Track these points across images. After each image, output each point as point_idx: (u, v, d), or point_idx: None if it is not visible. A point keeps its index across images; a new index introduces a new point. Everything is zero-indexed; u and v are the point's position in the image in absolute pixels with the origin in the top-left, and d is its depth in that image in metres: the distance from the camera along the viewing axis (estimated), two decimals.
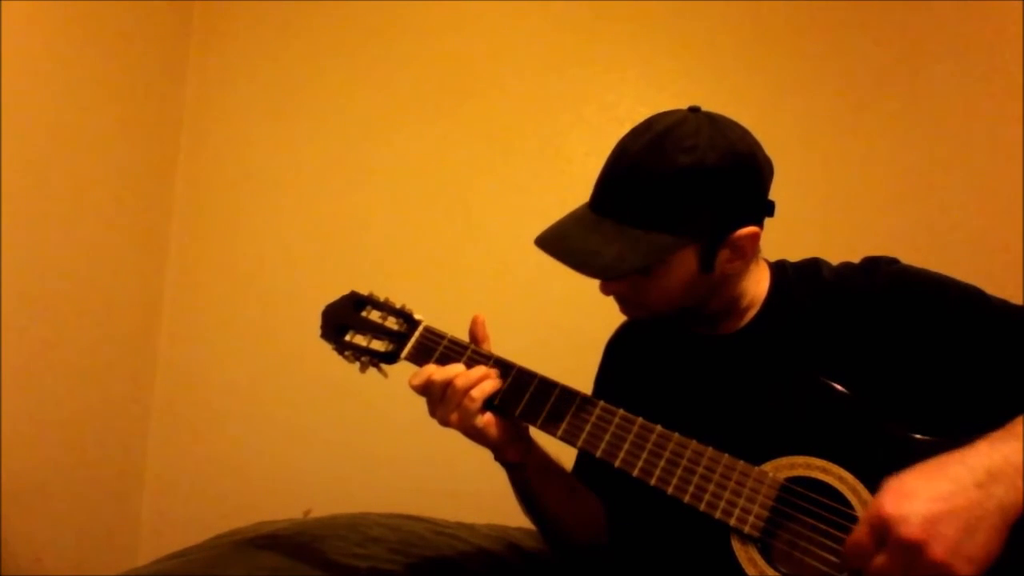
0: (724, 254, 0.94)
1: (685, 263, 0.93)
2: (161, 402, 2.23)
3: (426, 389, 0.95)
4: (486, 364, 0.97)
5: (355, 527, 1.28)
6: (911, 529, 0.71)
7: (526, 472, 1.02)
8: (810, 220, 1.80)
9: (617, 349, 1.16)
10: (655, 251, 0.90)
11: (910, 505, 0.73)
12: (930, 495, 0.73)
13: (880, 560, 0.74)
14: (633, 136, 0.94)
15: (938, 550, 0.71)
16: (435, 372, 0.95)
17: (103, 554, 2.07)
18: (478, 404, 0.93)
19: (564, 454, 1.09)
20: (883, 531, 0.73)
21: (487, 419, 0.95)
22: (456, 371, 0.94)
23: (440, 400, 0.94)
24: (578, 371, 1.16)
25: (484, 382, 0.94)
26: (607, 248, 0.90)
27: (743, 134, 0.94)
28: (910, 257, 1.00)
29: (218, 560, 1.13)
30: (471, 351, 0.99)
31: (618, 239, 0.91)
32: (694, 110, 0.95)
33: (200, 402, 2.21)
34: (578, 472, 1.13)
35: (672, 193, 0.89)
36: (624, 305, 1.01)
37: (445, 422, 0.95)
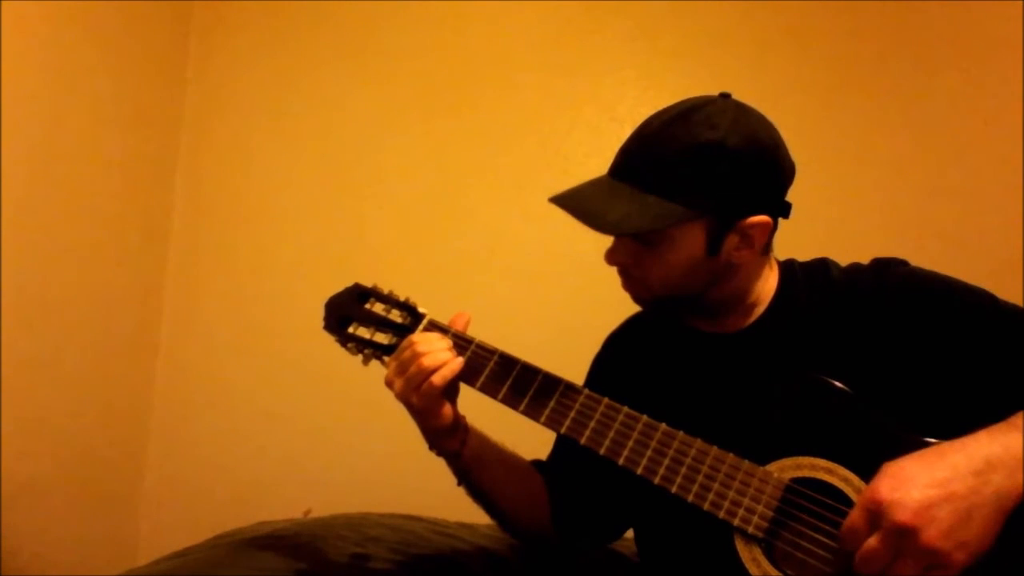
0: (732, 240, 0.93)
1: (692, 241, 0.92)
2: (161, 402, 2.23)
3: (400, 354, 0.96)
4: (490, 359, 0.97)
5: (355, 527, 1.28)
6: (904, 514, 0.72)
7: (461, 461, 1.02)
8: (810, 220, 1.79)
9: (619, 344, 1.15)
10: (663, 216, 0.89)
11: (905, 490, 0.74)
12: (926, 481, 0.74)
13: (872, 542, 0.75)
14: (660, 112, 0.95)
15: (931, 535, 0.72)
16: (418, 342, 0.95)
17: (103, 554, 2.07)
18: (440, 384, 0.93)
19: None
20: (877, 514, 0.74)
21: (446, 404, 0.96)
22: (432, 347, 0.94)
23: (408, 365, 0.95)
24: (581, 367, 1.16)
25: (449, 365, 0.94)
26: (616, 207, 0.90)
27: (770, 128, 0.95)
28: (909, 257, 1.00)
29: (218, 560, 1.13)
30: (476, 345, 0.99)
31: (630, 201, 0.90)
32: (725, 95, 0.95)
33: (200, 402, 2.21)
34: (559, 462, 1.13)
35: (689, 165, 0.89)
36: (625, 279, 1.00)
37: (406, 392, 0.94)
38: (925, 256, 1.01)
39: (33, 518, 1.89)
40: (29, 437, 1.86)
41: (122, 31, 2.05)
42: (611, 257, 0.98)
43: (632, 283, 1.00)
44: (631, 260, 0.96)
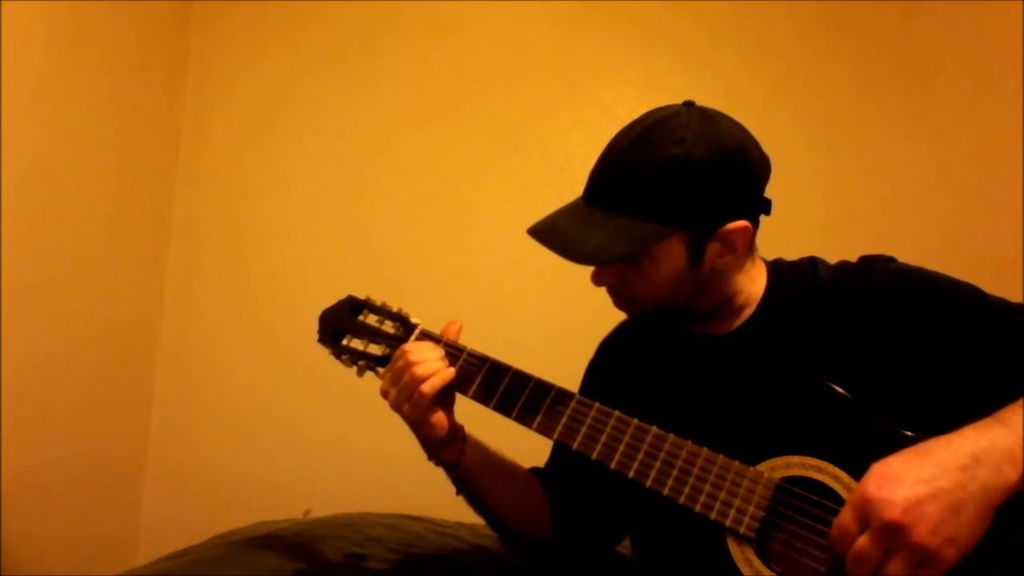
0: (713, 248, 0.93)
1: (673, 255, 0.93)
2: (161, 402, 2.24)
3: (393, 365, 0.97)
4: (482, 367, 0.98)
5: (355, 527, 1.28)
6: (894, 512, 0.73)
7: (460, 471, 1.03)
8: (809, 220, 1.80)
9: (612, 349, 1.16)
10: (639, 239, 0.90)
11: (894, 488, 0.74)
12: (914, 478, 0.75)
13: (863, 542, 0.75)
14: (625, 130, 0.95)
15: (921, 532, 0.72)
16: (410, 352, 0.96)
17: (103, 554, 2.07)
18: (430, 393, 0.94)
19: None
20: (867, 514, 0.75)
21: (439, 413, 0.96)
22: (424, 357, 0.95)
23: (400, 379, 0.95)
24: (578, 371, 1.16)
25: (439, 374, 0.95)
26: (592, 235, 0.91)
27: (736, 130, 0.94)
28: (909, 256, 1.00)
29: (218, 560, 1.13)
30: (467, 353, 0.99)
31: (604, 227, 0.91)
32: (688, 104, 0.95)
33: (200, 402, 2.22)
34: (556, 469, 1.13)
35: (658, 183, 0.90)
36: (615, 298, 1.01)
37: (399, 402, 0.95)
38: (925, 255, 1.01)
39: (33, 518, 1.89)
40: (29, 437, 1.87)
41: (122, 31, 2.05)
42: (597, 279, 0.98)
43: (621, 301, 1.01)
44: (616, 280, 0.97)
